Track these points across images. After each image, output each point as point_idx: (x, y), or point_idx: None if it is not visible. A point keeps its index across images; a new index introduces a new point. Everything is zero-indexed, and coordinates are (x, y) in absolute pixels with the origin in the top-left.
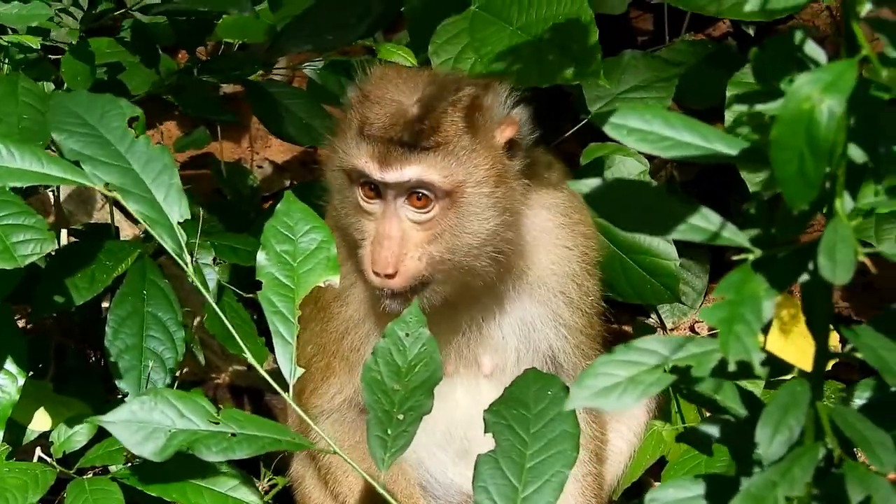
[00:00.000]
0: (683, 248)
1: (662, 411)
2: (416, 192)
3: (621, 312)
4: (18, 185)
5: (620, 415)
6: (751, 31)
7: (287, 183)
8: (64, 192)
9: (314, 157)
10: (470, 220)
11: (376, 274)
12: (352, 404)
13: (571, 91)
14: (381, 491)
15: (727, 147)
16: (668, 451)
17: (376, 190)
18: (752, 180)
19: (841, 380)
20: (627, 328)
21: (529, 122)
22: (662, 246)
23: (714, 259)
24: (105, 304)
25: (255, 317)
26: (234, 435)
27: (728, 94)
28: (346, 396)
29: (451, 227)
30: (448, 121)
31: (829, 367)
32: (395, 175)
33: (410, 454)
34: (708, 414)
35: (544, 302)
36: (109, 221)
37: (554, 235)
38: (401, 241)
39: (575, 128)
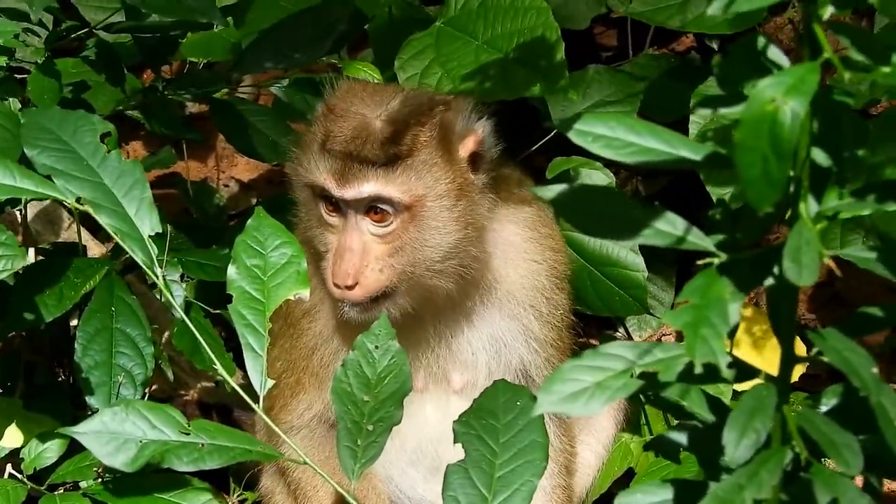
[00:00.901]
0: (649, 262)
1: (631, 424)
2: (374, 207)
3: (589, 326)
4: None
5: (589, 427)
6: (714, 45)
7: (253, 201)
8: (31, 211)
9: (280, 174)
10: (431, 234)
11: (336, 286)
12: (321, 420)
13: (537, 105)
14: (352, 501)
15: (692, 153)
16: (637, 463)
17: (337, 205)
18: (718, 194)
19: (809, 391)
20: (595, 342)
21: (493, 135)
22: (630, 257)
23: (680, 272)
24: (74, 322)
25: (223, 334)
26: (204, 445)
27: (692, 106)
28: (315, 412)
29: (411, 241)
30: (410, 135)
31: (797, 378)
32: (353, 192)
33: (381, 470)
34: (675, 422)
35: (514, 316)
36: (77, 240)
37: (522, 250)
38: (361, 254)
39: (541, 142)
